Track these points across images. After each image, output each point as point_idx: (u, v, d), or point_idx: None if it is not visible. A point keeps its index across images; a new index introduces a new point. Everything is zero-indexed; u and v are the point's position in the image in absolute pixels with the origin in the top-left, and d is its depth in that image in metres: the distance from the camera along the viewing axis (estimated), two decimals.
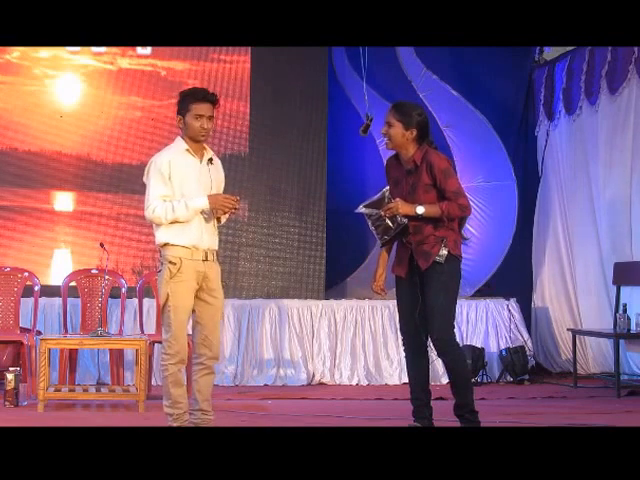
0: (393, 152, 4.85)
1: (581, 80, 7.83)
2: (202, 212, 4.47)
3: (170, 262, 4.44)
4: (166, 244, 4.48)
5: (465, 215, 4.74)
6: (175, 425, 4.47)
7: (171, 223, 4.44)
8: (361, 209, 4.73)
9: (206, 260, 4.49)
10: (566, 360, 8.05)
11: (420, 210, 4.62)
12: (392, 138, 4.72)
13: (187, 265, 4.44)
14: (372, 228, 4.76)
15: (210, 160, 4.57)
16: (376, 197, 4.73)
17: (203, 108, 4.48)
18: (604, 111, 7.58)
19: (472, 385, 4.83)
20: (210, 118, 4.50)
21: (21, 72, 7.87)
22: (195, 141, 4.52)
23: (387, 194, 4.70)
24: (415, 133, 4.70)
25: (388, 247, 4.91)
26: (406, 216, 4.63)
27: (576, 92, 7.94)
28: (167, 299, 4.44)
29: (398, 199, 4.64)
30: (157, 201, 4.44)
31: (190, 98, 4.50)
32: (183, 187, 4.47)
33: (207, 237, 4.51)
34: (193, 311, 4.54)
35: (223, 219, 4.60)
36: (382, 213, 4.66)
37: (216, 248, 4.59)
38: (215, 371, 4.61)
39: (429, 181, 4.67)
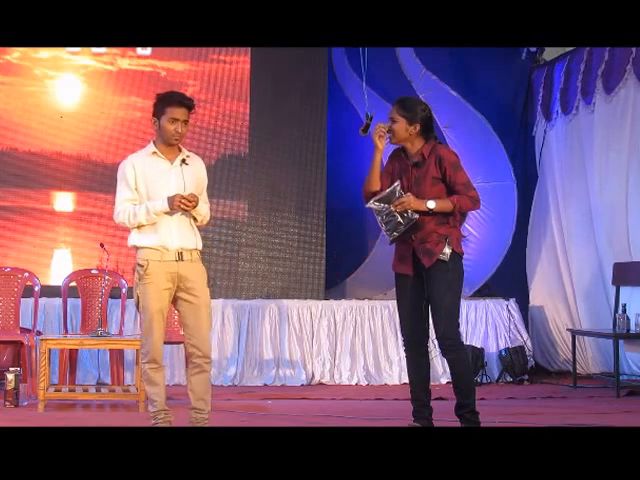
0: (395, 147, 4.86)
1: (578, 80, 7.83)
2: (169, 213, 4.49)
3: (139, 264, 4.55)
4: (135, 247, 4.59)
5: (476, 208, 4.73)
6: (152, 422, 4.54)
7: (139, 226, 4.53)
8: (371, 204, 4.67)
9: (181, 260, 4.53)
10: (564, 360, 8.05)
11: (431, 205, 4.59)
12: (396, 133, 4.73)
13: (155, 266, 4.50)
14: (382, 224, 4.68)
15: (183, 161, 4.58)
16: (386, 192, 4.66)
17: (178, 112, 4.51)
18: (600, 111, 7.57)
19: (474, 385, 4.83)
20: (185, 123, 4.54)
21: (21, 73, 7.88)
22: (168, 144, 4.57)
23: (398, 189, 4.63)
24: (418, 128, 4.71)
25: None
26: (417, 211, 4.60)
27: (573, 92, 7.93)
28: (138, 301, 4.56)
29: (409, 194, 4.61)
30: (122, 206, 4.55)
31: (166, 101, 4.54)
32: (149, 190, 4.53)
33: (177, 237, 4.53)
34: (178, 312, 4.68)
35: (199, 218, 4.60)
36: (393, 208, 4.61)
37: (194, 247, 4.58)
38: (208, 370, 4.60)
39: (437, 174, 4.67)
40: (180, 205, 4.44)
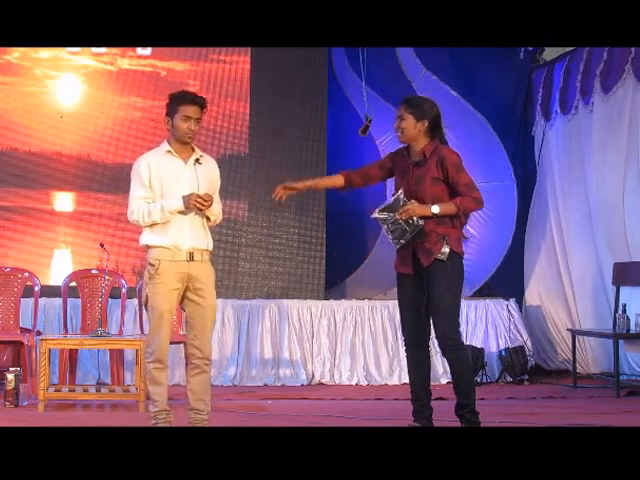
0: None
1: (577, 80, 7.82)
2: (183, 212, 4.50)
3: (150, 264, 4.54)
4: (147, 246, 4.58)
5: (479, 208, 4.74)
6: (152, 422, 4.54)
7: (151, 225, 4.52)
8: (376, 214, 4.67)
9: (191, 260, 4.53)
10: (564, 360, 8.05)
11: (436, 209, 4.59)
12: (404, 131, 4.72)
13: (166, 266, 4.50)
14: (387, 233, 4.67)
15: (197, 160, 4.60)
16: (390, 201, 4.66)
17: (191, 110, 4.54)
18: (598, 111, 7.56)
19: (474, 385, 4.83)
20: (197, 120, 4.57)
21: (21, 73, 7.88)
22: (181, 142, 4.58)
23: (402, 197, 4.62)
24: (427, 125, 4.70)
25: (346, 178, 4.94)
26: (422, 217, 4.61)
27: (572, 92, 7.92)
28: (147, 300, 4.56)
29: (413, 201, 4.60)
30: (135, 204, 4.55)
31: (179, 100, 4.58)
32: (164, 189, 4.54)
33: (189, 237, 4.54)
34: (184, 311, 4.67)
35: (212, 217, 4.62)
36: (398, 216, 4.60)
37: (205, 248, 4.59)
38: (209, 371, 4.62)
39: (438, 174, 4.66)
40: (196, 204, 4.46)
